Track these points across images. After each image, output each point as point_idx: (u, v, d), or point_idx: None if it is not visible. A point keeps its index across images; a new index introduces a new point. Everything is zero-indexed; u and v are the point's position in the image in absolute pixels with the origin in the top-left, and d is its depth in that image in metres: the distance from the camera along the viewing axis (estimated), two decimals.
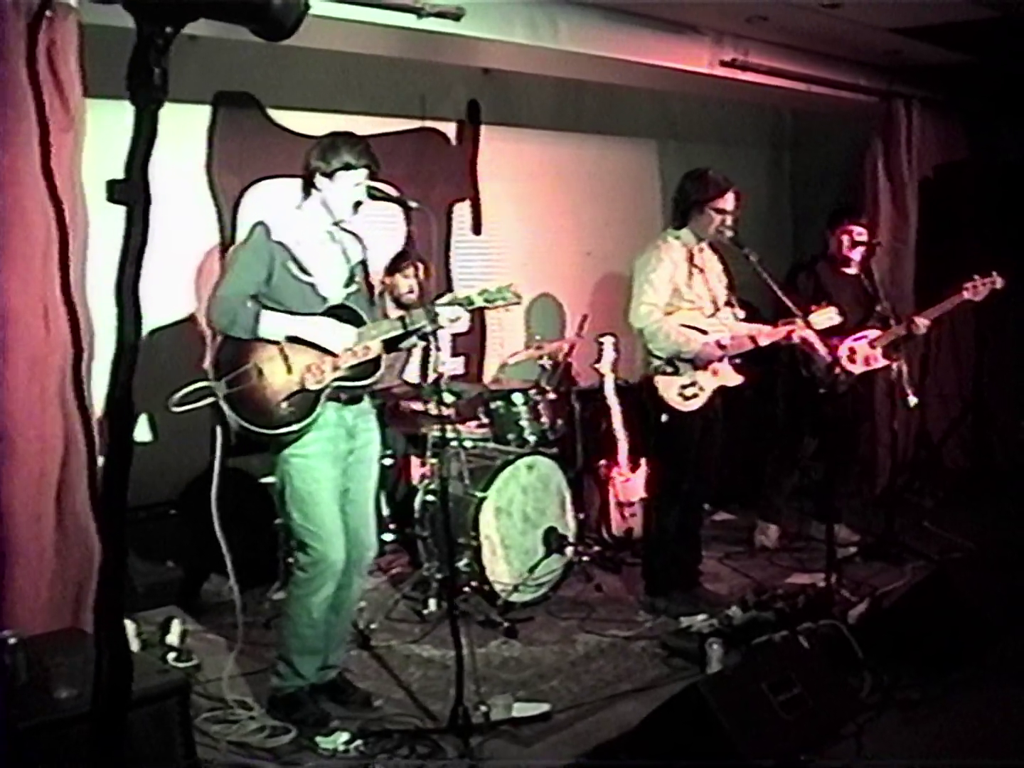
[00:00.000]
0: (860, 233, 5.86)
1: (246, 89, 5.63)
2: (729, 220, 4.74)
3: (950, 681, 4.00)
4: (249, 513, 4.71)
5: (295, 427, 3.60)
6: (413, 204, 3.78)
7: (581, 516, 5.31)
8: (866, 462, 6.80)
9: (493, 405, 5.41)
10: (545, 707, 3.88)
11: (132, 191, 1.14)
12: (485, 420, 5.51)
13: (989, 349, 7.19)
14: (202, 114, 5.49)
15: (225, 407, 3.55)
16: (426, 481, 5.07)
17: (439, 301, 3.82)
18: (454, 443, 4.94)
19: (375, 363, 3.75)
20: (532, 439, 5.30)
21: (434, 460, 5.01)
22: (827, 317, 4.95)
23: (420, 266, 3.91)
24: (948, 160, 7.30)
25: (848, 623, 4.38)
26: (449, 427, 4.72)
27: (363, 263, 3.92)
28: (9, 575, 3.66)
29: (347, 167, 3.63)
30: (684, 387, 4.78)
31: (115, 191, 1.14)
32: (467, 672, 3.70)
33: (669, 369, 4.78)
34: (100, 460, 3.78)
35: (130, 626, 4.09)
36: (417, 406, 5.23)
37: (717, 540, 5.98)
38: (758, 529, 6.08)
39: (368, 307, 3.86)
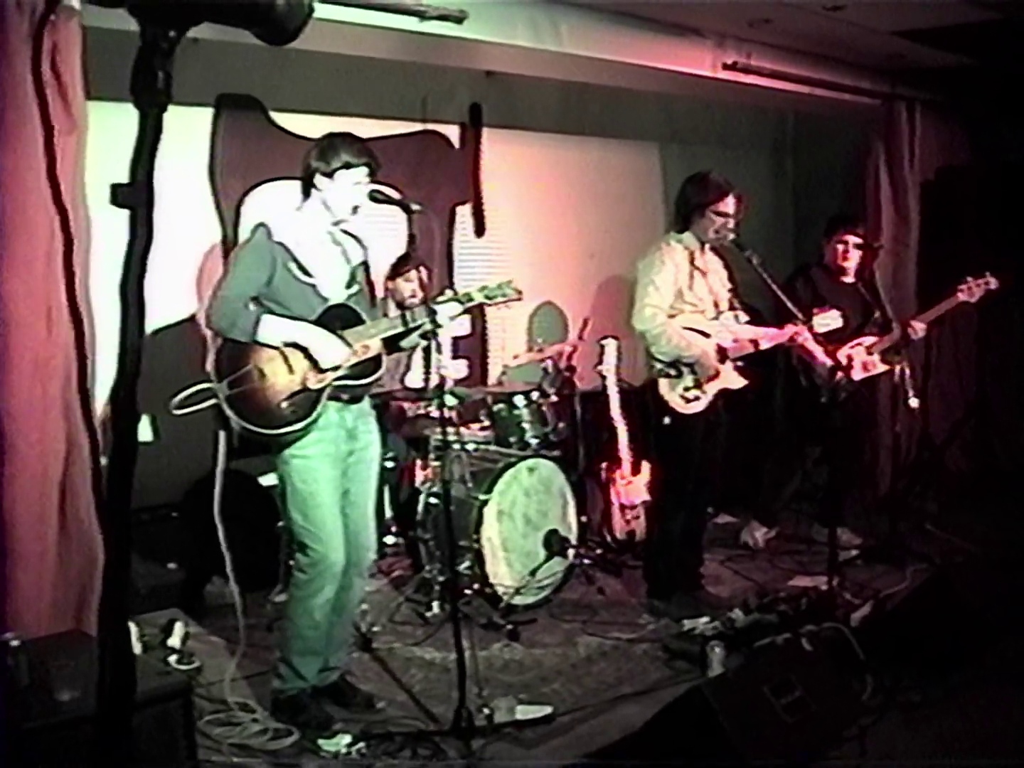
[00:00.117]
0: (856, 241, 5.86)
1: (249, 92, 5.63)
2: (731, 223, 4.74)
3: (952, 683, 4.00)
4: (251, 516, 4.72)
5: (297, 426, 3.60)
6: (415, 207, 3.78)
7: (583, 519, 5.31)
8: (868, 465, 6.81)
9: (495, 408, 5.42)
10: (548, 709, 3.88)
11: (136, 195, 1.14)
12: (487, 423, 5.51)
13: (991, 351, 7.19)
14: (204, 116, 5.50)
15: (227, 408, 3.55)
16: (428, 484, 5.08)
17: (439, 299, 3.83)
18: (456, 446, 4.94)
19: (376, 362, 3.76)
20: (534, 442, 5.31)
21: (436, 463, 5.01)
22: (829, 320, 4.95)
23: (423, 270, 3.91)
24: (950, 162, 7.29)
25: (851, 626, 4.38)
26: (451, 430, 4.73)
27: (364, 264, 3.92)
28: (11, 577, 3.67)
29: (347, 166, 3.64)
30: (686, 390, 4.78)
31: (119, 195, 1.14)
32: (469, 674, 3.71)
33: (672, 372, 4.78)
34: (103, 461, 3.78)
35: (132, 628, 4.09)
36: (419, 409, 5.23)
37: (719, 543, 5.98)
38: (747, 528, 6.09)
39: (369, 308, 3.86)
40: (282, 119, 5.74)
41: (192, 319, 5.32)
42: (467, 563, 4.81)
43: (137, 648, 4.11)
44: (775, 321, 5.11)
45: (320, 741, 3.63)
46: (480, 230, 6.76)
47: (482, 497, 4.84)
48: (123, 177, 1.17)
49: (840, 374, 5.07)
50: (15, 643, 3.06)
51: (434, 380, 4.71)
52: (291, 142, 5.54)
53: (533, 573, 4.94)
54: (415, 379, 5.49)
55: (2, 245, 3.61)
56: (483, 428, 5.54)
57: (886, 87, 6.93)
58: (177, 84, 1.18)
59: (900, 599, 4.71)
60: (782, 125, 8.58)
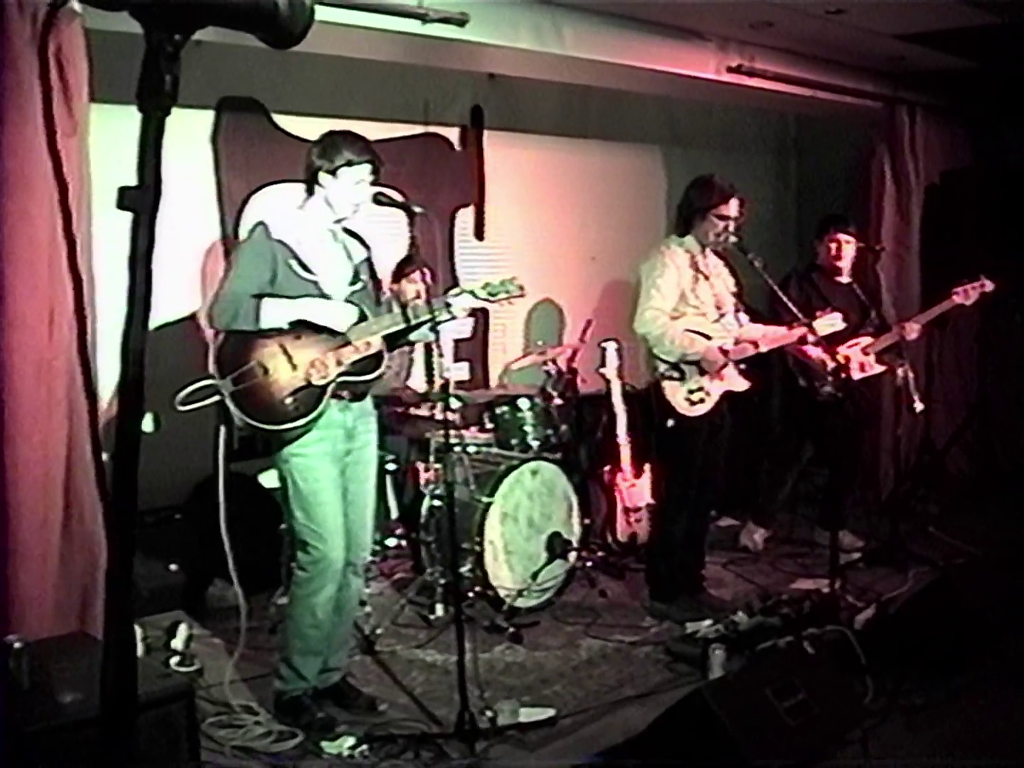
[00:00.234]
0: (848, 241, 5.86)
1: (251, 94, 5.64)
2: (732, 227, 4.74)
3: (954, 686, 4.00)
4: (253, 518, 4.72)
5: (300, 422, 3.61)
6: (418, 209, 3.79)
7: (586, 521, 5.31)
8: (870, 468, 6.80)
9: (498, 410, 5.41)
10: (550, 712, 3.89)
11: (143, 198, 1.15)
12: (489, 425, 5.51)
13: (993, 353, 7.19)
14: (206, 118, 5.50)
15: (231, 404, 3.55)
16: (432, 486, 5.07)
17: (450, 293, 3.84)
18: (458, 448, 4.94)
19: (377, 359, 3.76)
20: (535, 444, 5.31)
21: (438, 465, 5.01)
22: (831, 323, 4.95)
23: (426, 271, 3.91)
24: (952, 165, 7.30)
25: (853, 629, 4.38)
26: (453, 432, 4.73)
27: (368, 261, 3.93)
28: (14, 579, 3.67)
29: (349, 163, 3.65)
30: (691, 392, 4.78)
31: (125, 198, 1.14)
32: (471, 677, 3.71)
33: (675, 374, 4.78)
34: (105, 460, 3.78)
35: (136, 630, 4.09)
36: (421, 411, 5.23)
37: (721, 546, 5.97)
38: (745, 530, 6.09)
39: (373, 306, 3.86)
40: (284, 121, 5.75)
41: (194, 317, 5.33)
42: (469, 566, 4.81)
43: (140, 650, 4.11)
44: (776, 325, 5.11)
45: (323, 743, 3.63)
46: (481, 233, 6.76)
47: (485, 500, 4.84)
48: (124, 179, 1.17)
49: (844, 375, 5.07)
50: (17, 645, 3.06)
51: (437, 383, 4.71)
52: (293, 145, 5.54)
53: (535, 576, 4.94)
54: (419, 381, 5.50)
55: (5, 247, 3.62)
56: (484, 431, 5.54)
57: (888, 90, 6.94)
58: (179, 86, 1.18)
59: (902, 602, 4.71)
60: (785, 128, 8.59)
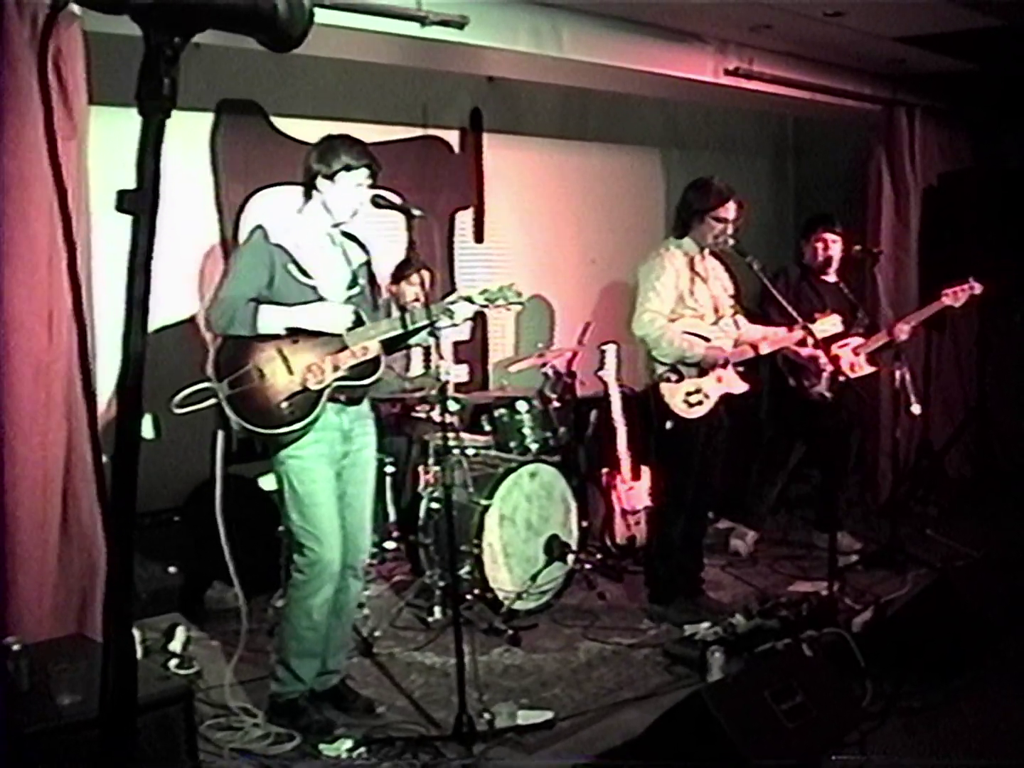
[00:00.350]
0: (835, 240, 5.87)
1: (250, 97, 5.64)
2: (729, 229, 4.75)
3: (952, 688, 4.01)
4: (252, 520, 4.72)
5: (296, 426, 3.61)
6: (417, 212, 3.79)
7: (584, 524, 5.31)
8: (869, 470, 6.81)
9: (496, 413, 5.41)
10: (548, 715, 3.89)
11: (142, 201, 1.15)
12: (487, 428, 5.51)
13: (992, 354, 7.20)
14: (205, 121, 5.50)
15: (227, 408, 3.55)
16: (430, 489, 5.07)
17: (449, 300, 3.84)
18: (456, 451, 4.94)
19: (374, 363, 3.76)
20: (534, 447, 5.30)
21: (437, 468, 5.01)
22: (830, 325, 4.95)
23: (425, 274, 3.91)
24: (951, 168, 7.30)
25: (851, 631, 4.38)
26: (451, 435, 4.73)
27: (367, 265, 3.93)
28: (13, 581, 3.67)
29: (347, 168, 3.65)
30: (689, 394, 4.79)
31: (124, 201, 1.14)
32: (470, 679, 3.71)
33: (674, 376, 4.78)
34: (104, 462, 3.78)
35: (135, 633, 4.09)
36: (420, 413, 5.23)
37: (719, 548, 5.97)
38: (734, 534, 6.08)
39: (371, 310, 3.86)
40: (283, 124, 5.75)
41: (193, 319, 5.33)
42: (468, 568, 4.81)
43: (138, 653, 4.11)
44: (762, 323, 5.12)
45: (321, 746, 3.63)
46: (480, 235, 6.76)
47: (484, 502, 4.84)
48: (123, 182, 1.17)
49: (842, 377, 5.07)
50: (16, 647, 3.06)
51: (436, 385, 4.71)
52: (292, 147, 5.54)
53: (534, 578, 4.93)
54: (417, 370, 5.51)
55: (4, 249, 3.62)
56: (483, 433, 5.54)
57: (887, 92, 6.94)
58: (179, 89, 1.18)
59: (901, 604, 4.71)
60: (783, 130, 8.60)
